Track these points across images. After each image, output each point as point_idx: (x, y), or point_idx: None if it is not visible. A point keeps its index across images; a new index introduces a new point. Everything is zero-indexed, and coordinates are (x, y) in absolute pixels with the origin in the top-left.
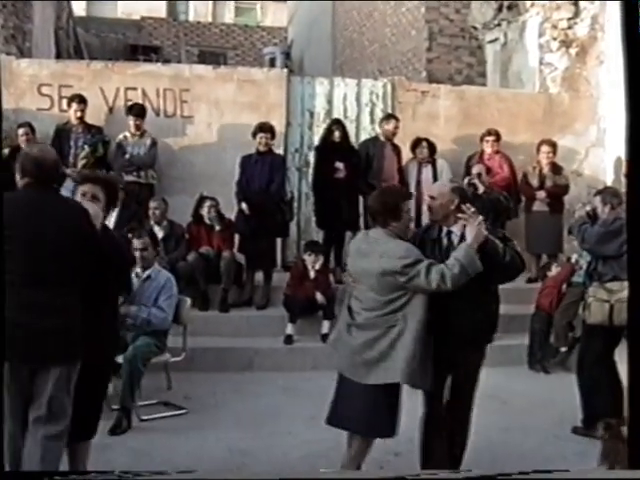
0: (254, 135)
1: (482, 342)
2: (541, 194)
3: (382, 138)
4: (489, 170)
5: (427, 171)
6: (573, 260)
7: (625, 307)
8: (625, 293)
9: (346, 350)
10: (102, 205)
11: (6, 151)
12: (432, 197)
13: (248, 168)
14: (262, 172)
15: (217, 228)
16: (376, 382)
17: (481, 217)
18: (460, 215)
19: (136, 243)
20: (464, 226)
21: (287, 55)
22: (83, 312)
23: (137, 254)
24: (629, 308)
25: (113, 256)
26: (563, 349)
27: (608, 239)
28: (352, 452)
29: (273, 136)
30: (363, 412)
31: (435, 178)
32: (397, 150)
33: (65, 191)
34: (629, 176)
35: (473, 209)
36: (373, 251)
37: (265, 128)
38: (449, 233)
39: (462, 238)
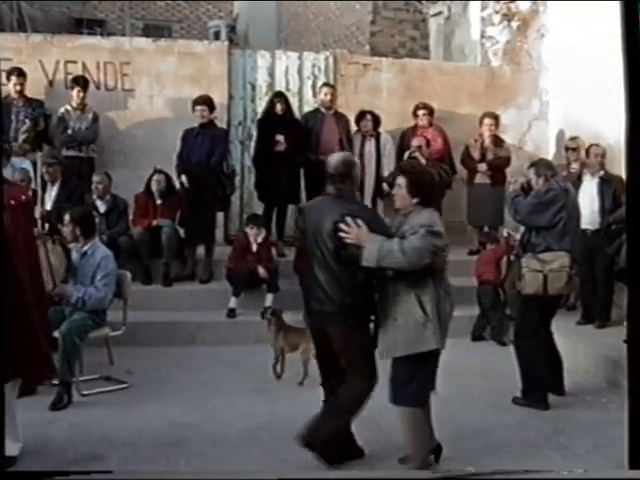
0: (193, 109)
1: None
2: (482, 166)
3: (322, 110)
4: (429, 143)
5: (370, 144)
6: (505, 234)
7: (558, 277)
8: (558, 263)
9: None
10: None
11: None
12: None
13: (189, 141)
14: (203, 145)
15: (158, 202)
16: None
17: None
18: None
19: (66, 218)
20: None
21: (232, 29)
22: None
23: (68, 229)
24: (629, 306)
25: None
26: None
27: (540, 210)
28: None
29: (211, 109)
30: None
31: (378, 151)
32: (343, 120)
33: (8, 169)
34: (629, 175)
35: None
36: None
37: (200, 101)
38: None
39: None
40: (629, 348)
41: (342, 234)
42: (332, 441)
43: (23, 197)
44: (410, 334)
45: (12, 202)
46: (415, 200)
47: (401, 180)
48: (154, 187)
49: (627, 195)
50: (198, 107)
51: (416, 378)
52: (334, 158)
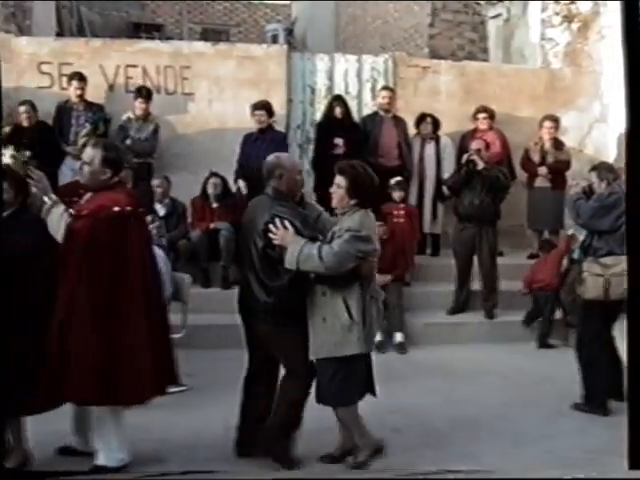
0: (252, 113)
1: None
2: (543, 170)
3: (381, 113)
4: (488, 146)
5: (430, 148)
6: (569, 233)
7: (620, 281)
8: (620, 267)
9: None
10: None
11: (7, 129)
12: None
13: (248, 146)
14: (262, 150)
15: (214, 205)
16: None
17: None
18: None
19: None
20: None
21: (290, 32)
22: None
23: None
24: (628, 305)
25: None
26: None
27: (602, 214)
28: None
29: (270, 114)
30: None
31: (438, 154)
32: (401, 124)
33: (66, 169)
34: (628, 170)
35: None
36: None
37: (259, 105)
38: None
39: None
40: (629, 348)
41: (270, 235)
42: (282, 444)
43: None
44: (336, 336)
45: (101, 214)
46: (353, 201)
47: (340, 180)
48: (210, 190)
49: (627, 195)
50: (257, 112)
51: (337, 378)
52: (267, 159)
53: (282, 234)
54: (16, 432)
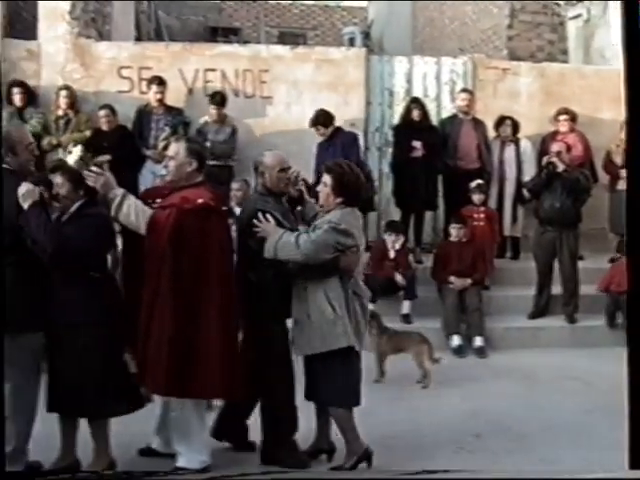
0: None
1: None
2: (625, 173)
3: (460, 115)
4: (569, 148)
5: (510, 150)
6: None
7: None
8: None
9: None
10: (67, 189)
11: (88, 133)
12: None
13: (322, 153)
14: (333, 155)
15: (298, 208)
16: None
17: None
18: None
19: None
20: None
21: (367, 35)
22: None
23: None
24: (628, 305)
25: (34, 236)
26: None
27: None
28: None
29: (326, 124)
30: None
31: (518, 157)
32: (480, 126)
33: (147, 172)
34: (628, 172)
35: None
36: (359, 226)
37: (312, 123)
38: None
39: None
40: (629, 348)
41: (255, 228)
42: (288, 446)
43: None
44: (322, 331)
45: (187, 206)
46: (338, 200)
47: (326, 178)
48: (292, 194)
49: (627, 195)
50: (314, 128)
51: (338, 377)
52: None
53: (264, 225)
54: (102, 436)
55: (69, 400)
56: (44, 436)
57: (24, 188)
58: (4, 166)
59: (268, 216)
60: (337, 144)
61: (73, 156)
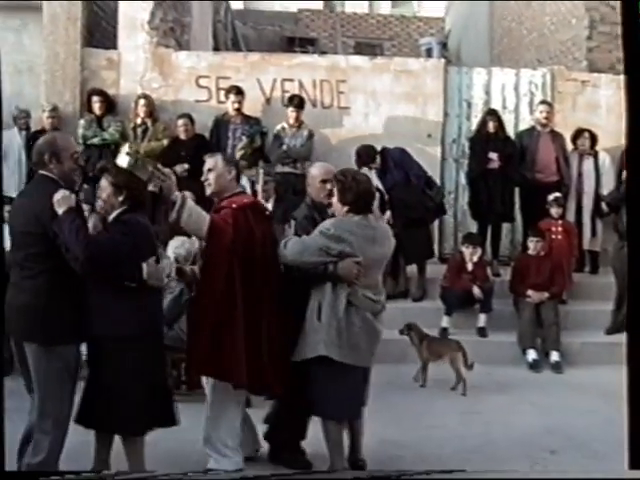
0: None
1: None
2: None
3: (538, 127)
4: None
5: (588, 163)
6: None
7: None
8: None
9: (374, 340)
10: (108, 193)
11: (165, 142)
12: (209, 170)
13: (382, 180)
14: (394, 177)
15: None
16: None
17: None
18: None
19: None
20: None
21: (444, 45)
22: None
23: None
24: (628, 307)
25: (67, 242)
26: None
27: None
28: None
29: (374, 159)
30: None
31: (597, 170)
32: (558, 139)
33: None
34: (629, 175)
35: None
36: (376, 235)
37: (364, 161)
38: None
39: None
40: (629, 348)
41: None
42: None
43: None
44: (304, 338)
45: (234, 205)
46: (345, 208)
47: (334, 188)
48: None
49: (627, 195)
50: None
51: (329, 387)
52: None
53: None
54: (137, 453)
55: (105, 415)
56: (79, 445)
57: (60, 194)
58: (44, 173)
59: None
60: (391, 167)
61: (122, 155)
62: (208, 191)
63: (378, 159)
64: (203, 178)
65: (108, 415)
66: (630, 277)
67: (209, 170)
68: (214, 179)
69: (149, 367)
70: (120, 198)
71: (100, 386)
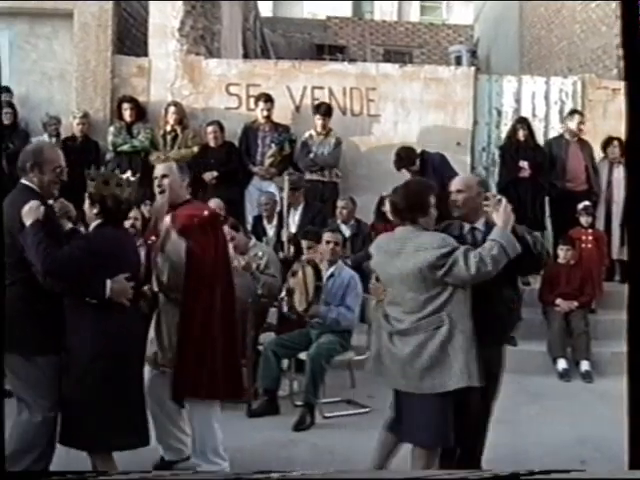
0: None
1: (502, 339)
2: None
3: (567, 136)
4: None
5: (619, 172)
6: None
7: None
8: None
9: (395, 362)
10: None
11: (195, 149)
12: (459, 190)
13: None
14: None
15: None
16: (432, 391)
17: (506, 200)
18: (485, 203)
19: (329, 236)
20: (487, 222)
21: (473, 53)
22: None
23: (329, 247)
24: (629, 308)
25: (29, 255)
26: None
27: None
28: (420, 465)
29: (414, 161)
30: (425, 423)
31: None
32: (587, 147)
33: (253, 188)
34: (629, 177)
35: (498, 196)
36: (405, 248)
37: (403, 164)
38: (473, 230)
39: (486, 234)
40: (629, 348)
41: None
42: None
43: (205, 212)
44: None
45: (195, 220)
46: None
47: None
48: (386, 214)
49: (627, 195)
50: (405, 171)
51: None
52: None
53: None
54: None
55: (64, 430)
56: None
57: (28, 206)
58: (24, 182)
59: None
60: (429, 171)
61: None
62: (161, 198)
63: (418, 162)
64: (157, 184)
65: (68, 430)
66: (630, 274)
67: (163, 176)
68: (168, 185)
69: (110, 385)
70: (94, 211)
71: (62, 400)
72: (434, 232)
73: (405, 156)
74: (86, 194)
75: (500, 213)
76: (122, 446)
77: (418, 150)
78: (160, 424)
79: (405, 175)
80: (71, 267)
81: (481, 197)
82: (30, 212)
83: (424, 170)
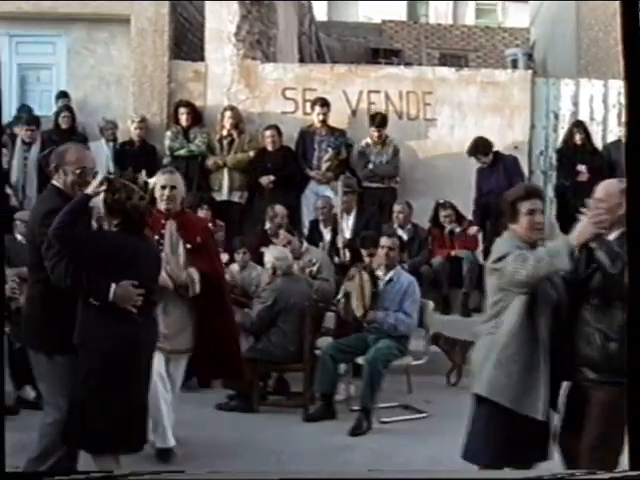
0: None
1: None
2: None
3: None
4: None
5: None
6: None
7: None
8: None
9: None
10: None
11: (251, 153)
12: (599, 200)
13: (483, 180)
14: (498, 181)
15: (457, 231)
16: (471, 390)
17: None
18: (582, 210)
19: (385, 241)
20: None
21: (530, 56)
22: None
23: (383, 252)
24: (629, 310)
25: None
26: None
27: None
28: None
29: (487, 151)
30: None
31: None
32: None
33: (310, 192)
34: (629, 177)
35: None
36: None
37: (475, 151)
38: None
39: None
40: (629, 348)
41: None
42: None
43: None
44: None
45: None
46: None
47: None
48: (441, 220)
49: (627, 194)
50: (475, 159)
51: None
52: None
53: None
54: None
55: (67, 429)
56: None
57: (98, 179)
58: (53, 183)
59: None
60: (499, 169)
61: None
62: (165, 205)
63: (491, 156)
64: (167, 193)
65: (70, 429)
66: (630, 275)
67: (173, 187)
68: (178, 197)
69: (115, 387)
70: (115, 222)
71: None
72: (506, 237)
73: (481, 144)
74: (102, 202)
75: (582, 222)
76: (125, 448)
77: (465, 159)
78: (168, 412)
79: (468, 171)
80: (74, 244)
81: (622, 207)
82: (92, 185)
83: (495, 166)
